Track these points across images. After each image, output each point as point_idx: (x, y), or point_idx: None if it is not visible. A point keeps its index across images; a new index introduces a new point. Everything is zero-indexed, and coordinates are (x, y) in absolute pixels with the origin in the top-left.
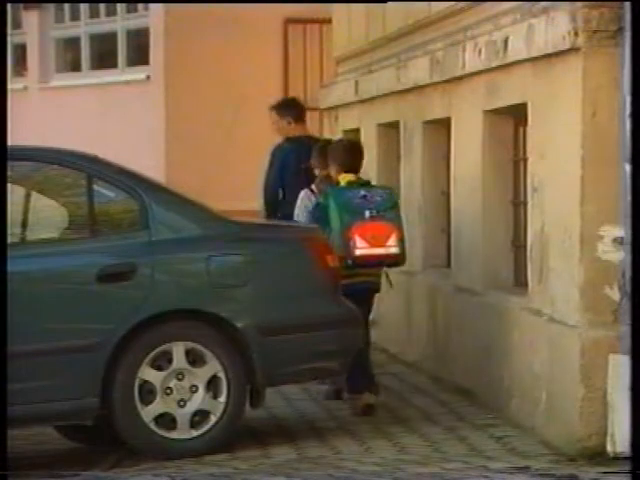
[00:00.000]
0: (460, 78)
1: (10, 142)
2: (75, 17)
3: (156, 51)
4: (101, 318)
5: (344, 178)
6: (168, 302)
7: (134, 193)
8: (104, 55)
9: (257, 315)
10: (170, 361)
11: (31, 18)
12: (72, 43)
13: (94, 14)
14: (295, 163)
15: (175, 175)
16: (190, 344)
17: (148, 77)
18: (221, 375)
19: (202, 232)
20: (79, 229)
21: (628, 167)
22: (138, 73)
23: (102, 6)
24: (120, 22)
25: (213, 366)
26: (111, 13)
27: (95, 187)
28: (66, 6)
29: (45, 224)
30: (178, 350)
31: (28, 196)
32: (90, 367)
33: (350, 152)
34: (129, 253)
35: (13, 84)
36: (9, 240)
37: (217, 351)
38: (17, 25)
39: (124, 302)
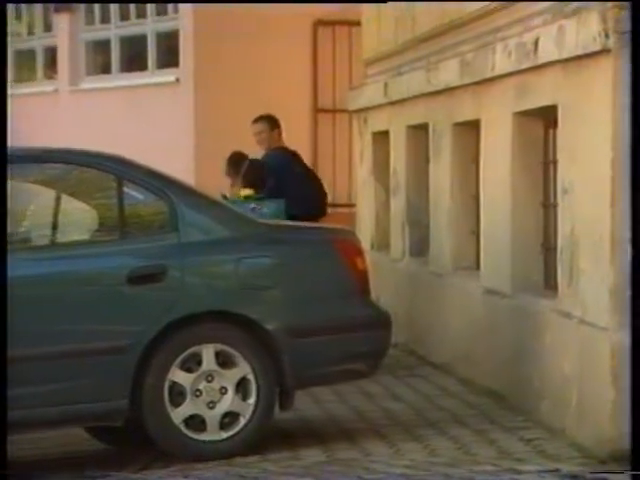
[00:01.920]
0: (490, 80)
1: (41, 144)
2: (105, 20)
3: (186, 54)
4: (131, 320)
5: (243, 192)
6: (198, 304)
7: (163, 195)
8: (134, 58)
9: (287, 317)
10: (200, 363)
11: (62, 21)
12: (102, 46)
13: (124, 17)
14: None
15: (204, 177)
16: (220, 346)
17: (177, 79)
18: (250, 377)
19: (231, 234)
20: (109, 231)
21: None
22: (168, 75)
23: (132, 9)
24: (150, 25)
25: (243, 368)
26: (141, 16)
27: (125, 189)
28: (96, 9)
29: (75, 226)
30: (208, 352)
31: (58, 198)
32: (120, 369)
33: (252, 171)
34: (159, 255)
35: (43, 87)
36: (40, 242)
37: (247, 353)
38: (47, 28)
39: (154, 304)
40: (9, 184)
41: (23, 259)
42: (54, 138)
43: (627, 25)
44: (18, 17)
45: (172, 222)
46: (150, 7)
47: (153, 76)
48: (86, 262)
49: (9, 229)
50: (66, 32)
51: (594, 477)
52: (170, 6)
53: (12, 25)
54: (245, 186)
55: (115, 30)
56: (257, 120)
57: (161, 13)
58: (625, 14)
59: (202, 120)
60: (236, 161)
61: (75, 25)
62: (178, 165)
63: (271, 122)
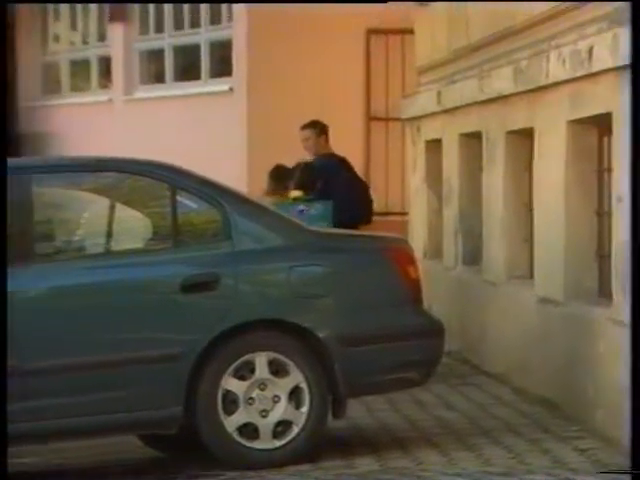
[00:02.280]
0: (544, 88)
1: (95, 154)
2: (159, 29)
3: (239, 63)
4: (185, 328)
5: (292, 194)
6: (251, 312)
7: (217, 204)
8: (187, 67)
9: (339, 325)
10: (253, 371)
11: (116, 30)
12: (156, 55)
13: (178, 26)
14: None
15: (257, 186)
16: (272, 354)
17: (231, 88)
18: (303, 385)
19: (284, 242)
20: (163, 239)
21: None
22: (221, 84)
23: (186, 18)
24: (204, 34)
25: (295, 376)
26: (195, 25)
27: (178, 198)
28: (150, 18)
29: (129, 235)
30: (261, 360)
31: (112, 207)
32: (174, 377)
33: (303, 174)
34: (212, 263)
35: (98, 96)
36: (94, 251)
37: (299, 361)
38: (102, 37)
39: (207, 312)
40: (65, 193)
41: (77, 268)
42: (108, 147)
43: None
44: (73, 27)
45: (225, 230)
46: (204, 16)
47: (206, 85)
48: (140, 270)
49: (64, 237)
50: (120, 42)
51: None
52: (224, 15)
53: (67, 34)
54: (296, 188)
55: (169, 39)
56: (304, 127)
57: (215, 22)
58: None
59: (255, 129)
60: (278, 174)
61: (129, 35)
62: (231, 173)
63: (318, 128)
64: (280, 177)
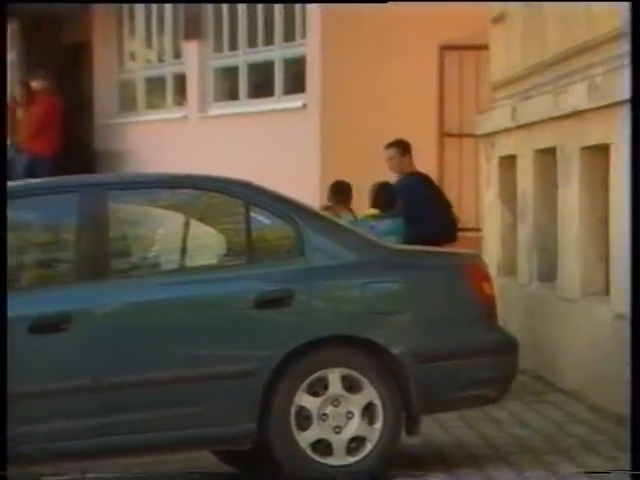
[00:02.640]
0: (620, 103)
1: (169, 170)
2: (233, 47)
3: (312, 79)
4: (259, 344)
5: (368, 211)
6: (324, 328)
7: (290, 220)
8: (261, 84)
9: (413, 342)
10: (326, 387)
11: (191, 48)
12: (230, 72)
13: (252, 43)
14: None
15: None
16: (346, 370)
17: (304, 105)
18: (377, 402)
19: (358, 258)
20: (237, 255)
21: None
22: (294, 101)
23: (260, 35)
24: (277, 51)
25: (369, 393)
26: (269, 42)
27: (252, 214)
28: (225, 36)
29: (204, 251)
30: (334, 376)
31: (187, 223)
32: (248, 392)
33: (381, 193)
34: (286, 279)
35: (173, 113)
36: (169, 267)
37: (373, 378)
38: (177, 55)
39: (281, 328)
40: (140, 209)
41: (152, 284)
42: (183, 164)
43: None
44: (148, 45)
45: (299, 246)
46: (278, 34)
47: (280, 102)
48: (214, 286)
49: (140, 254)
50: (195, 59)
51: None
52: (298, 32)
53: (143, 52)
54: (373, 207)
55: (243, 57)
56: (388, 146)
57: (289, 39)
58: None
59: (328, 145)
60: (335, 189)
61: (204, 52)
62: (305, 190)
63: (402, 148)
64: (337, 192)
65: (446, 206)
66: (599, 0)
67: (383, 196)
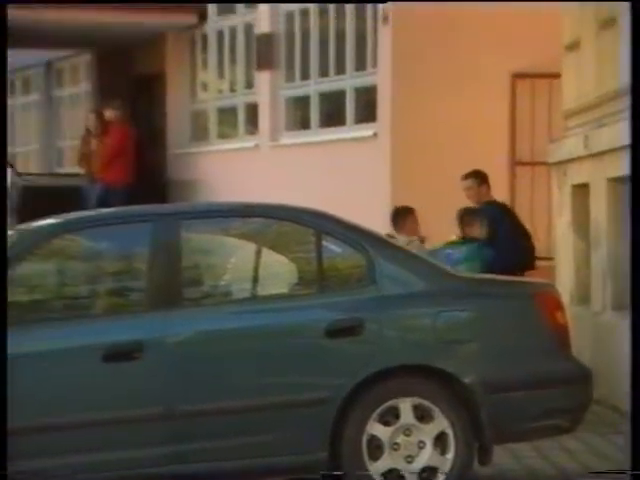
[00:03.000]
0: None
1: (241, 199)
2: (305, 76)
3: (383, 108)
4: (330, 373)
5: (449, 239)
6: (396, 357)
7: (361, 248)
8: (333, 113)
9: (484, 371)
10: (397, 416)
11: (263, 78)
12: (302, 101)
13: (323, 73)
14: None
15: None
16: (417, 399)
17: (375, 134)
18: (449, 431)
19: (429, 287)
20: (308, 284)
21: None
22: (365, 130)
23: (332, 65)
24: (349, 80)
25: (441, 422)
26: (340, 71)
27: (323, 243)
28: (297, 66)
29: (275, 279)
30: (405, 405)
31: (259, 252)
32: (319, 421)
33: (459, 219)
34: (357, 308)
35: (244, 142)
36: (241, 295)
37: (444, 407)
38: (249, 85)
39: (352, 357)
40: (212, 238)
41: (224, 312)
42: (254, 193)
43: None
44: (221, 75)
45: (370, 275)
46: (349, 63)
47: (351, 131)
48: (285, 315)
49: (212, 282)
50: (267, 89)
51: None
52: (369, 61)
53: (215, 83)
54: (464, 234)
55: (314, 86)
56: (466, 177)
57: (360, 69)
58: None
59: (399, 173)
60: (397, 214)
61: (276, 82)
62: (375, 219)
63: (478, 178)
64: (396, 217)
65: (524, 235)
66: (599, 0)
67: (467, 222)
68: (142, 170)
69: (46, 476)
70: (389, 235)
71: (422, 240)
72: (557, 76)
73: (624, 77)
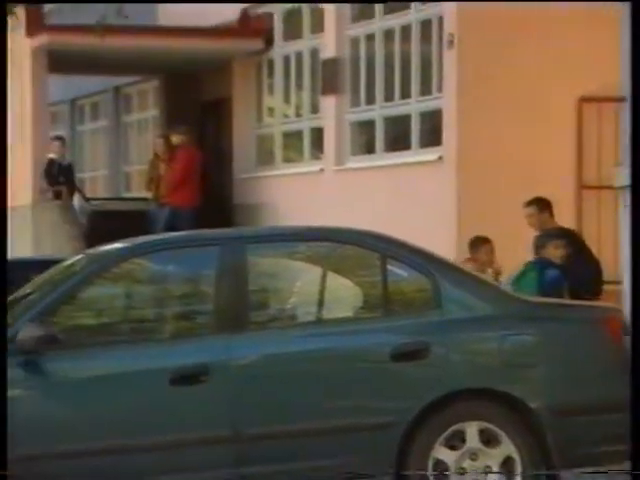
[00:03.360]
0: None
1: (307, 223)
2: (370, 101)
3: (449, 132)
4: (395, 397)
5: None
6: (461, 381)
7: (426, 272)
8: (398, 137)
9: (550, 395)
10: (463, 440)
11: (328, 102)
12: (367, 126)
13: (389, 98)
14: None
15: (467, 255)
16: (483, 424)
17: (440, 157)
18: (515, 456)
19: (494, 311)
20: (373, 308)
21: None
22: (431, 154)
23: (397, 90)
24: (414, 104)
25: (507, 447)
26: (405, 96)
27: (388, 266)
28: (362, 90)
29: (340, 303)
30: (471, 429)
31: (324, 276)
32: (384, 446)
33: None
34: (422, 332)
35: (310, 167)
36: (307, 319)
37: (510, 431)
38: (314, 110)
39: (418, 381)
40: (278, 262)
41: (290, 335)
42: (319, 216)
43: None
44: (287, 100)
45: (435, 299)
46: (414, 87)
47: (416, 155)
48: (351, 339)
49: (278, 306)
50: (332, 113)
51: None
52: (434, 85)
53: (281, 107)
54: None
55: (380, 110)
56: (527, 204)
57: (425, 93)
58: None
59: (464, 197)
60: (472, 244)
61: (341, 106)
62: (440, 243)
63: (540, 205)
64: (470, 248)
65: (591, 259)
66: (599, 0)
67: (540, 245)
68: (209, 194)
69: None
70: (469, 259)
71: (498, 272)
72: (624, 99)
73: None
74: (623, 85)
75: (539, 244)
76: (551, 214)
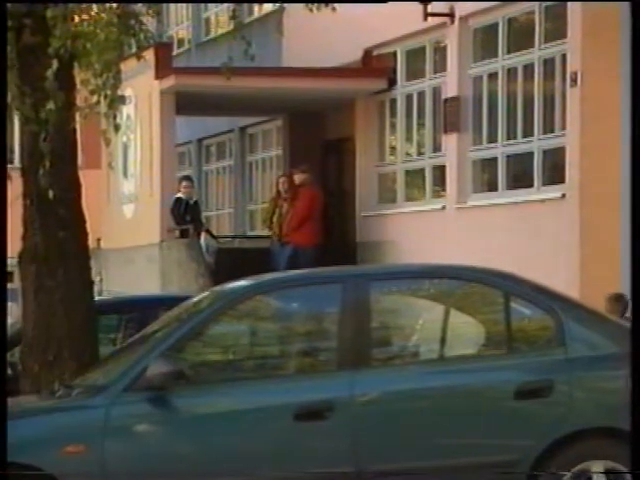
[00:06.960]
0: None
1: (429, 260)
2: (492, 139)
3: (572, 170)
4: (519, 435)
5: None
6: (586, 420)
7: (550, 310)
8: (520, 174)
9: None
10: (589, 479)
11: (450, 141)
12: (489, 163)
13: (511, 136)
14: None
15: (591, 292)
16: (609, 463)
17: (563, 195)
18: None
19: (619, 349)
20: (496, 345)
21: None
22: (553, 192)
23: (519, 127)
24: (536, 142)
25: None
26: (528, 134)
27: (512, 304)
28: (484, 129)
29: (463, 340)
30: (598, 469)
31: (447, 313)
32: None
33: None
34: (546, 370)
35: (432, 205)
36: (429, 356)
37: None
38: (437, 148)
39: (542, 419)
40: (401, 299)
41: (412, 372)
42: (441, 254)
43: None
44: (409, 139)
45: (559, 337)
46: (537, 126)
47: (538, 192)
48: (474, 376)
49: (400, 343)
50: (454, 152)
51: None
52: (556, 123)
53: (403, 146)
54: None
55: (502, 149)
56: None
57: (547, 131)
58: None
59: (588, 235)
60: (607, 301)
61: (463, 145)
62: (563, 280)
63: None
64: (616, 304)
65: None
66: (599, 0)
67: None
68: (331, 232)
69: None
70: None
71: None
72: None
73: None
74: (623, 88)
75: None
76: None
